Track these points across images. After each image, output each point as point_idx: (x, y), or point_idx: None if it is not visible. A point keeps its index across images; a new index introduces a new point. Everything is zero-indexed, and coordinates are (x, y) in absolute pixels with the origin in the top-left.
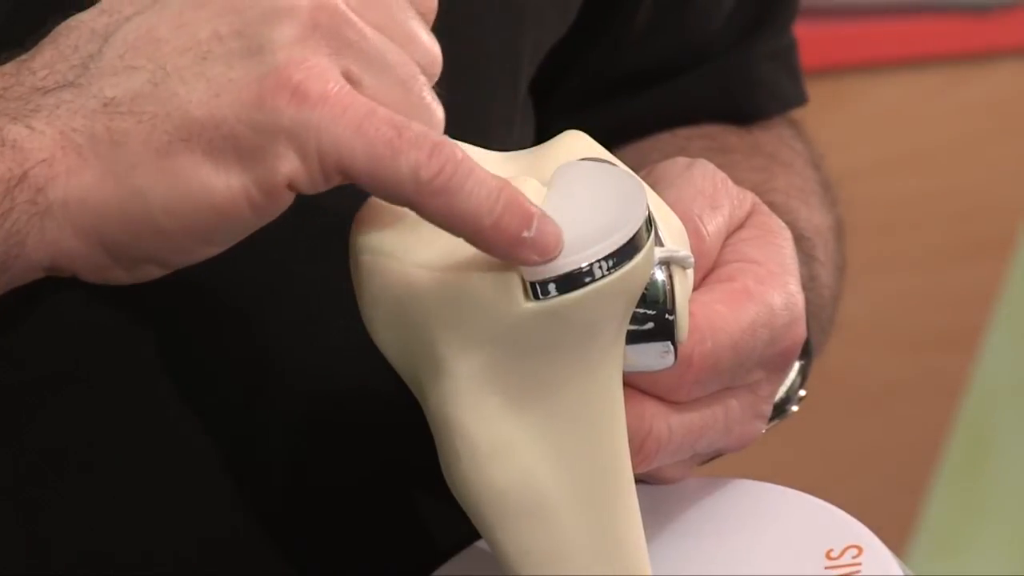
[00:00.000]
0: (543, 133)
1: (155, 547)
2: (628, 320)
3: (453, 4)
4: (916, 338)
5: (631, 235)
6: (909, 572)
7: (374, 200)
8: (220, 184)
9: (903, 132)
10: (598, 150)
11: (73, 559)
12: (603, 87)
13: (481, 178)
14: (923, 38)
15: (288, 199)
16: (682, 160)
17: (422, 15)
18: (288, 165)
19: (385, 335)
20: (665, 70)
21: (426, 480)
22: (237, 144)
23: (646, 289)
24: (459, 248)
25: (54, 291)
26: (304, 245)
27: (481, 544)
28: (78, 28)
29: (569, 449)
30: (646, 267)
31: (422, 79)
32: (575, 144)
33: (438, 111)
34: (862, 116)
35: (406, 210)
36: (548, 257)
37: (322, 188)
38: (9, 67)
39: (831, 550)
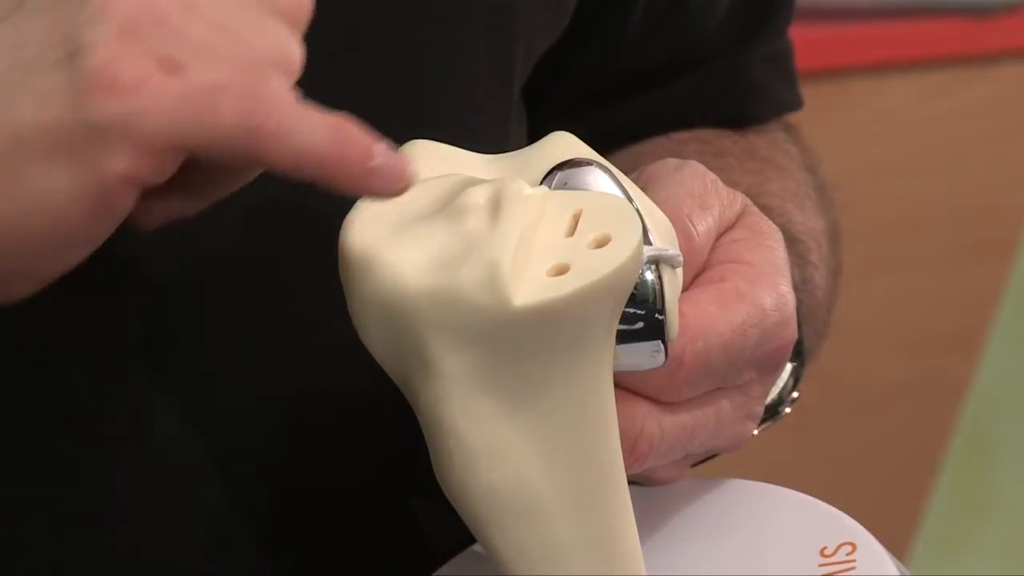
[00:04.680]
0: (535, 137)
1: (148, 549)
2: (618, 319)
3: (446, 7)
4: (918, 339)
5: None
6: (903, 568)
7: (364, 202)
8: (49, 189)
9: (905, 134)
10: (585, 151)
11: (64, 558)
12: (597, 91)
13: (315, 119)
14: (924, 40)
15: (130, 199)
16: (672, 161)
17: (292, 20)
18: (121, 161)
19: (375, 337)
20: (660, 74)
21: (422, 483)
22: (65, 147)
23: (635, 288)
24: (449, 249)
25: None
26: (296, 248)
27: (478, 548)
28: None
29: (561, 448)
30: (634, 266)
31: (263, 70)
32: (562, 145)
33: (279, 101)
34: (864, 118)
35: (396, 212)
36: (399, 186)
37: (165, 173)
38: None
39: (825, 548)
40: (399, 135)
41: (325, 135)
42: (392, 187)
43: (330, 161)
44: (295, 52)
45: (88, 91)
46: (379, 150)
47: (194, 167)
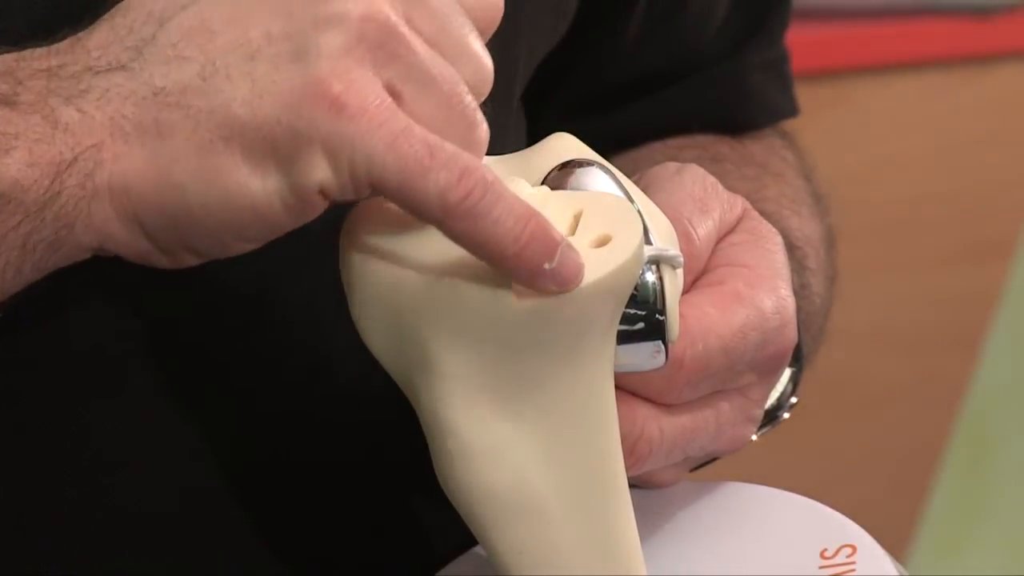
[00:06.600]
0: (534, 142)
1: (149, 548)
2: (618, 319)
3: None
4: (917, 340)
5: None
6: (903, 570)
7: (366, 203)
8: (256, 186)
9: (904, 134)
10: (585, 151)
11: (62, 555)
12: (596, 96)
13: (509, 205)
14: (924, 40)
15: (322, 205)
16: (673, 165)
17: (482, 29)
18: (321, 173)
19: (376, 336)
20: (657, 80)
21: (425, 484)
22: (275, 147)
23: (636, 289)
24: (450, 248)
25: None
26: (300, 245)
27: (480, 549)
28: (136, 8)
29: (561, 448)
30: (635, 266)
31: (467, 96)
32: (563, 146)
33: (480, 129)
34: (864, 118)
35: (398, 212)
36: (567, 288)
37: (353, 198)
38: (65, 44)
39: (825, 550)
40: None
41: (513, 227)
42: (561, 288)
43: (510, 254)
44: (489, 69)
45: (311, 101)
46: (558, 251)
47: None
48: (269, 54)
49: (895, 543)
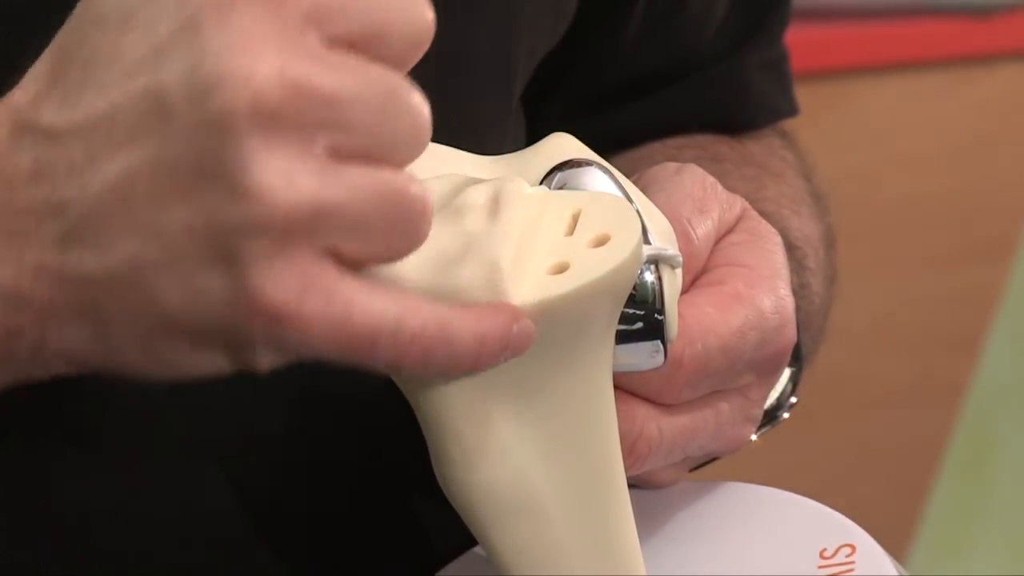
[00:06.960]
0: (534, 141)
1: (148, 549)
2: (617, 319)
3: (448, 7)
4: (918, 340)
5: None
6: (902, 570)
7: None
8: (206, 363)
9: (905, 134)
10: (585, 151)
11: (61, 557)
12: (595, 96)
13: (461, 338)
14: (924, 40)
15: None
16: (672, 165)
17: (411, 56)
18: (268, 360)
19: None
20: (657, 80)
21: (424, 484)
22: (218, 341)
23: (635, 289)
24: (448, 249)
25: None
26: None
27: (479, 550)
28: (60, 146)
29: (561, 448)
30: (634, 265)
31: (403, 200)
32: (562, 146)
33: (422, 215)
34: (864, 118)
35: None
36: (517, 354)
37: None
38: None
39: (825, 550)
40: None
41: (466, 355)
42: (516, 356)
43: (466, 364)
44: (425, 119)
45: (246, 314)
46: (510, 342)
47: None
48: (194, 252)
49: (895, 543)
